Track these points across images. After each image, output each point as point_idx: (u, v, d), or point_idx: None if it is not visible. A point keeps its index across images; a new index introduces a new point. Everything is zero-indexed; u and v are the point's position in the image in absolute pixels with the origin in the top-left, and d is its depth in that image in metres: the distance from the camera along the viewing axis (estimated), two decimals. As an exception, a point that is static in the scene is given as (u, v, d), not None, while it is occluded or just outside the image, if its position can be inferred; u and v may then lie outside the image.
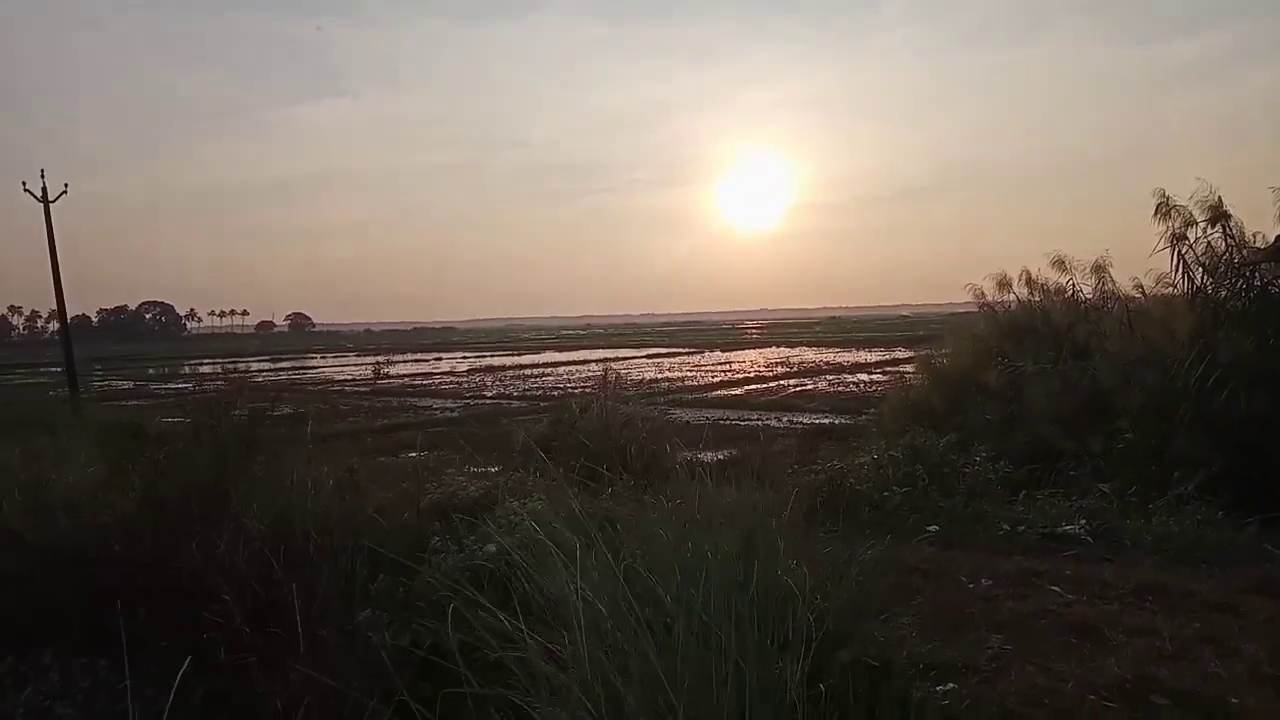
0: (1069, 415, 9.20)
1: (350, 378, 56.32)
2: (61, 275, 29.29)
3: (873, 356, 55.70)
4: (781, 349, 73.08)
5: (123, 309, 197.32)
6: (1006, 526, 6.21)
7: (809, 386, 38.34)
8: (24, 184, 28.44)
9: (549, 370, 55.71)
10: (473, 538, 4.34)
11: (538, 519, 3.78)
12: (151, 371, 73.96)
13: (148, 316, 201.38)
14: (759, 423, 27.29)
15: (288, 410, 36.23)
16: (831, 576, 3.78)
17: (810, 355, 61.64)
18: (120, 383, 59.17)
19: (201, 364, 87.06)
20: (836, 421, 24.30)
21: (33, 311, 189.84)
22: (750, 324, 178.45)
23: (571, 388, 41.06)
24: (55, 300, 29.48)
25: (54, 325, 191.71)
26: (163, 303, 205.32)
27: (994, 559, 5.47)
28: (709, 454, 21.15)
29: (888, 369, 42.88)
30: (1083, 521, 6.13)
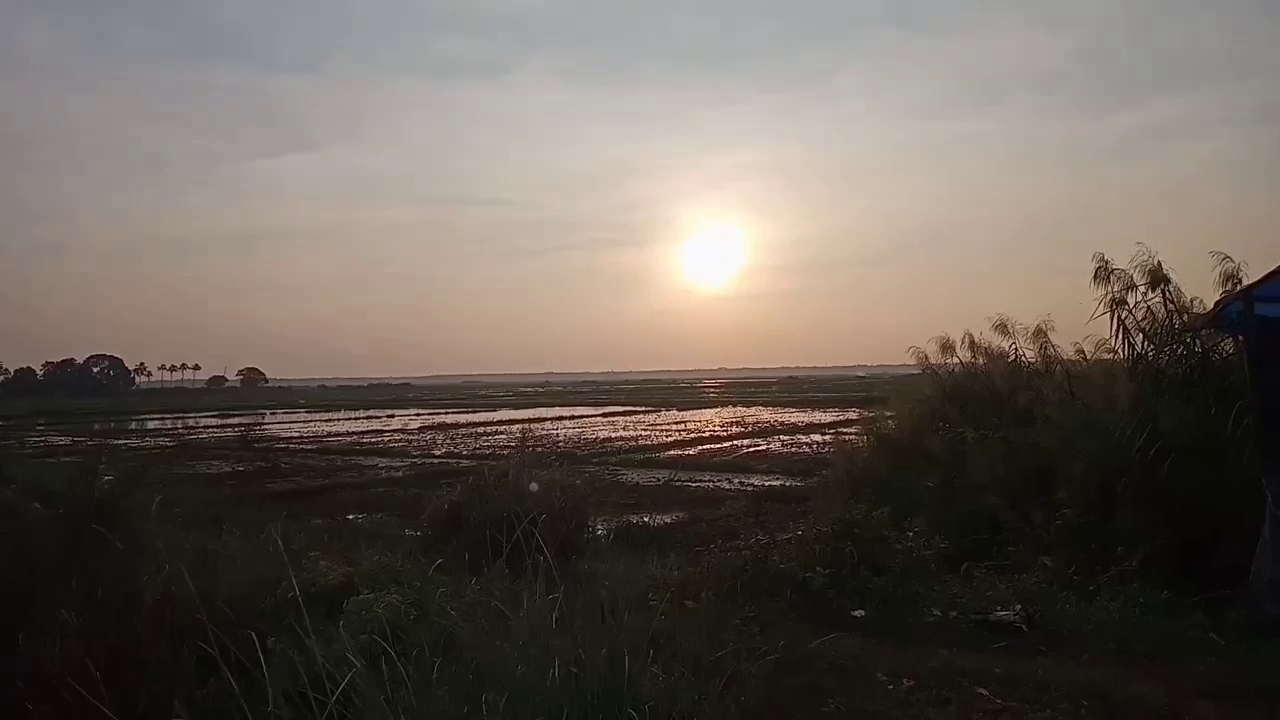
0: (1011, 484, 8.89)
1: (298, 435, 54.95)
2: None
3: (827, 417, 55.70)
4: (738, 408, 72.94)
5: (70, 362, 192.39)
6: (937, 612, 5.81)
7: (762, 447, 38.01)
8: None
9: (502, 428, 54.85)
10: (315, 639, 3.81)
11: (394, 616, 3.29)
12: (97, 426, 71.51)
13: (95, 370, 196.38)
14: (710, 484, 26.82)
15: (230, 469, 35.13)
16: (728, 685, 3.32)
17: (766, 415, 61.53)
18: (59, 439, 57.06)
19: (149, 419, 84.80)
20: (787, 484, 23.91)
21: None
22: (709, 383, 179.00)
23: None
24: None
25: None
26: (112, 356, 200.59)
27: (920, 653, 5.03)
28: (654, 517, 20.68)
29: (841, 429, 42.80)
30: (1018, 607, 5.75)
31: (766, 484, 25.53)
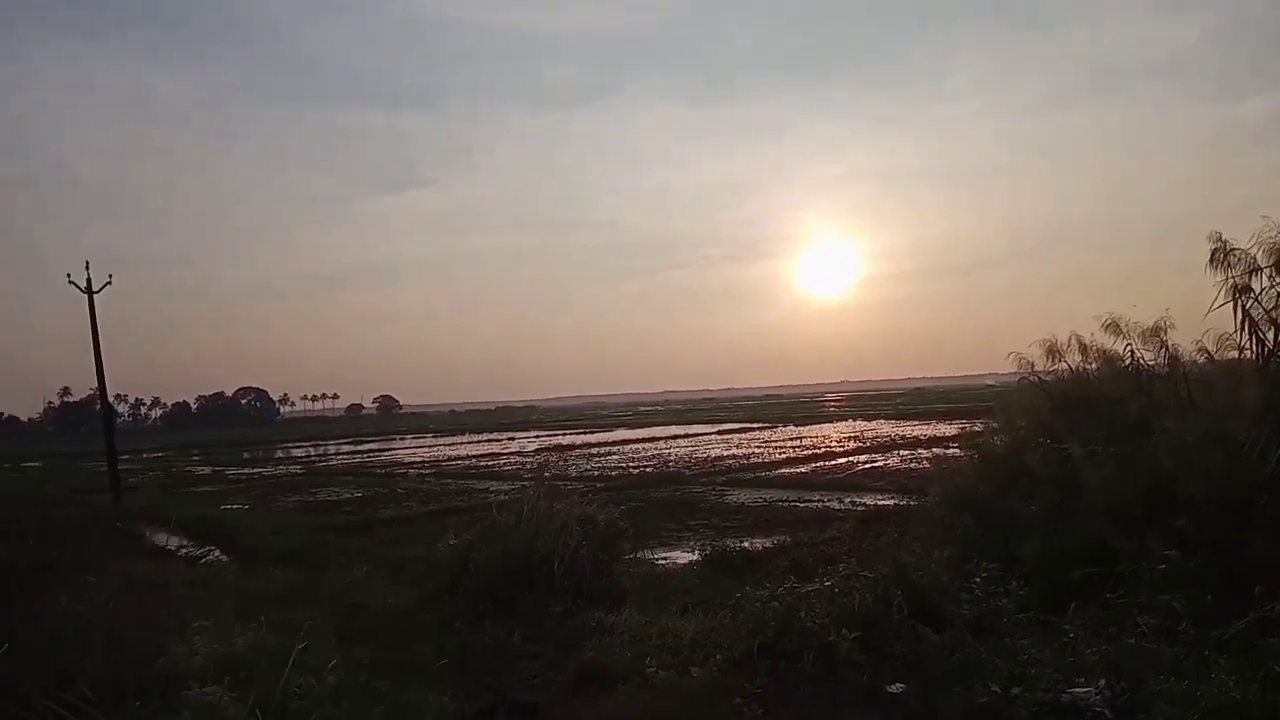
0: (1125, 508, 7.72)
1: (420, 459, 56.31)
2: (104, 363, 30.03)
3: (952, 429, 53.11)
4: (858, 422, 70.69)
5: (220, 395, 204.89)
6: (996, 688, 4.75)
7: (879, 463, 36.41)
8: (69, 276, 29.24)
9: (615, 449, 54.74)
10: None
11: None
12: (246, 455, 75.41)
13: (243, 402, 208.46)
14: (819, 504, 25.66)
15: (349, 494, 36.07)
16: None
17: (887, 429, 59.29)
18: (201, 469, 60.37)
19: (293, 448, 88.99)
20: (902, 503, 22.53)
21: (136, 399, 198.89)
22: (830, 397, 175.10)
23: (633, 467, 40.01)
24: (99, 386, 30.04)
25: (157, 412, 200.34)
26: (258, 388, 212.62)
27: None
28: (753, 541, 19.75)
29: (965, 438, 40.58)
30: (1102, 682, 4.64)
31: (879, 504, 24.19)
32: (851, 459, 38.91)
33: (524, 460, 50.14)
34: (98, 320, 29.43)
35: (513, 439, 77.14)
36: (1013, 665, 4.97)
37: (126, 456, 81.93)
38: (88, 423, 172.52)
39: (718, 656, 5.23)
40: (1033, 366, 11.13)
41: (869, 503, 25.01)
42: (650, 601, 13.53)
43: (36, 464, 74.81)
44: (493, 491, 33.67)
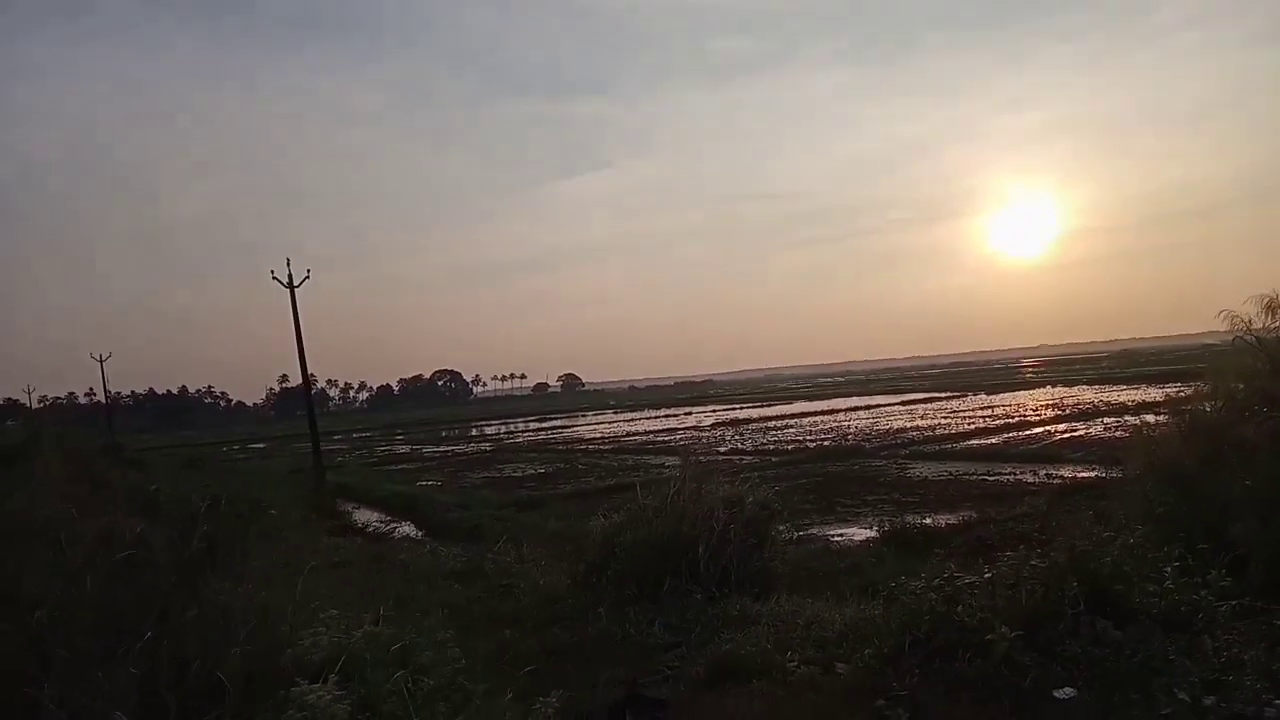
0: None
1: (599, 435, 57.64)
2: (305, 351, 32.59)
3: (1163, 394, 48.73)
4: (1057, 389, 66.20)
5: (419, 378, 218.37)
6: (1185, 697, 4.04)
7: (1080, 432, 33.87)
8: (272, 273, 31.97)
9: (793, 422, 53.89)
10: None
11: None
12: (444, 434, 79.85)
13: (440, 384, 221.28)
14: (1010, 477, 24.11)
15: (532, 470, 37.42)
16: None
17: (1089, 395, 55.13)
18: (401, 448, 64.37)
19: (485, 425, 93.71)
20: (1103, 475, 20.77)
21: (345, 383, 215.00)
22: (1026, 363, 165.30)
23: (810, 440, 39.16)
24: (301, 374, 32.47)
25: (364, 395, 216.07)
26: (452, 371, 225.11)
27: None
28: (935, 517, 18.76)
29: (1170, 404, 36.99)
30: None
31: (1077, 476, 22.44)
32: (1048, 428, 36.44)
33: (700, 434, 50.22)
34: (299, 311, 31.78)
35: (689, 414, 77.62)
36: (1208, 669, 4.24)
37: (339, 437, 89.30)
38: (303, 406, 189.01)
39: (867, 651, 4.82)
40: (1249, 324, 9.86)
41: (1066, 475, 23.27)
42: (816, 582, 13.10)
43: (262, 445, 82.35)
44: (667, 467, 33.80)
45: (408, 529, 24.36)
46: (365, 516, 27.16)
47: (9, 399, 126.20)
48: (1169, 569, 5.14)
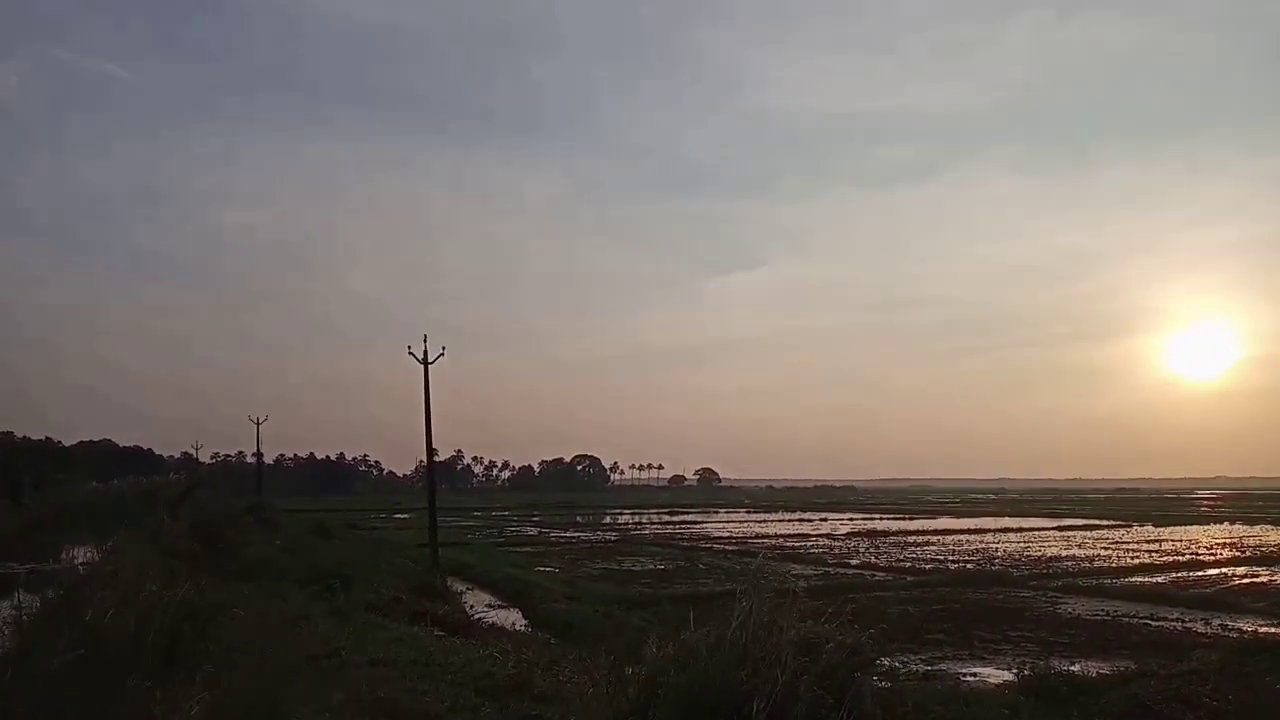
0: None
1: (727, 534, 56.12)
2: (432, 427, 33.12)
3: (1368, 542, 43.20)
4: (1236, 525, 60.00)
5: (559, 460, 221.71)
6: None
7: (1263, 578, 30.17)
8: (409, 348, 32.81)
9: (935, 539, 50.84)
10: None
11: None
12: (580, 519, 79.97)
13: (579, 468, 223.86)
14: (1177, 624, 21.45)
15: (652, 565, 36.45)
16: None
17: (1274, 536, 49.51)
18: (530, 529, 64.70)
19: (619, 513, 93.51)
20: (1291, 632, 18.09)
21: (489, 461, 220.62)
22: (1201, 494, 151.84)
23: (951, 561, 36.60)
24: (426, 449, 33.03)
25: (506, 474, 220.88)
26: (592, 456, 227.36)
27: None
28: (1085, 665, 16.69)
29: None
30: None
31: (1259, 630, 19.69)
32: (1225, 570, 32.67)
33: (833, 543, 48.02)
34: (430, 387, 32.53)
35: (825, 519, 74.77)
36: None
37: (478, 513, 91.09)
38: (447, 479, 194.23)
39: None
40: None
41: (1244, 627, 20.52)
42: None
43: (407, 514, 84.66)
44: (794, 575, 32.21)
45: (514, 616, 23.97)
46: (477, 599, 26.95)
47: (185, 452, 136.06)
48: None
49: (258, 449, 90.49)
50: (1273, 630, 19.47)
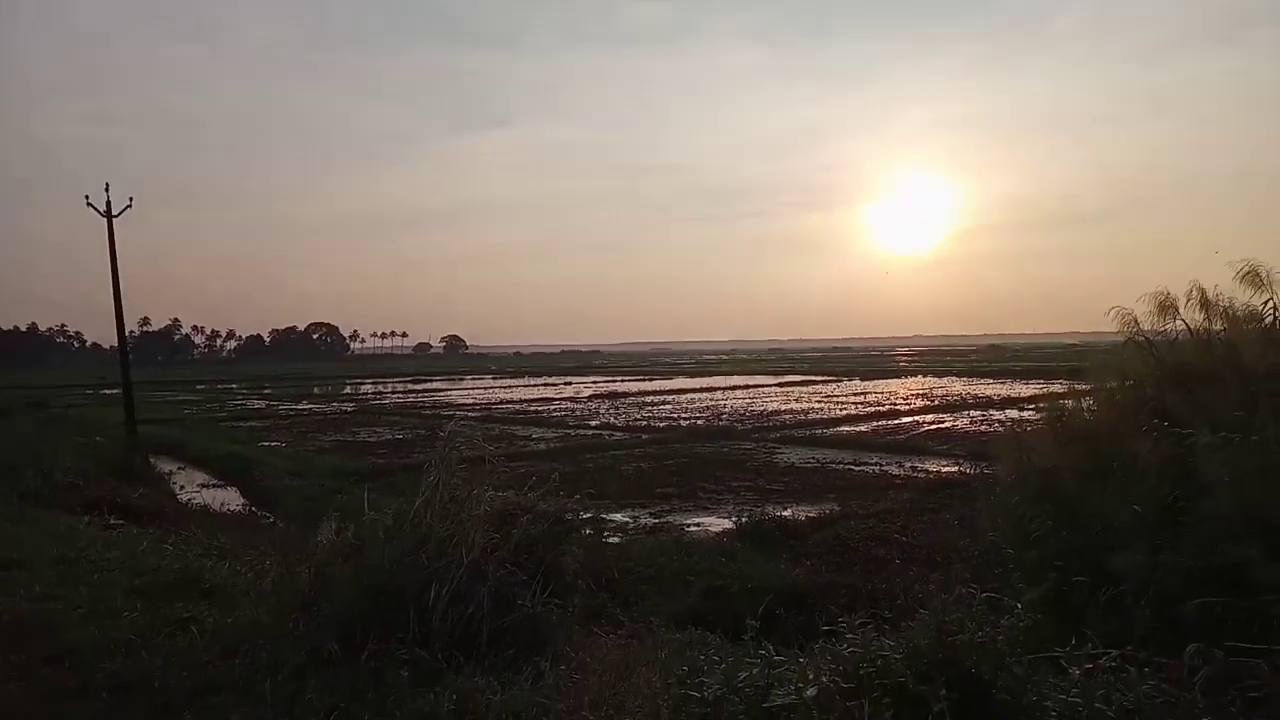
0: (1272, 519, 5.62)
1: (472, 401, 55.47)
2: (125, 290, 28.73)
3: (1029, 389, 50.03)
4: (927, 379, 67.62)
5: (293, 329, 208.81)
6: None
7: (947, 424, 33.97)
8: (87, 198, 27.73)
9: (670, 398, 53.01)
10: None
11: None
12: (316, 390, 75.79)
13: (315, 337, 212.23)
14: (876, 468, 23.54)
15: (390, 436, 35.02)
16: None
17: (958, 387, 56.28)
18: (256, 403, 60.55)
19: (358, 383, 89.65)
20: (968, 471, 20.26)
21: (212, 331, 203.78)
22: (901, 351, 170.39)
23: (684, 418, 38.18)
24: (115, 311, 28.85)
25: (232, 344, 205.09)
26: (329, 324, 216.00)
27: None
28: (796, 509, 17.81)
29: (1045, 404, 37.64)
30: None
31: (943, 471, 21.99)
32: (917, 418, 36.52)
33: (575, 406, 48.75)
34: (116, 243, 28.25)
35: (569, 383, 76.03)
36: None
37: (202, 387, 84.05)
38: (164, 351, 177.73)
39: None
40: (1137, 324, 8.78)
41: (931, 469, 22.85)
42: (664, 583, 11.82)
43: (116, 390, 76.24)
44: (535, 439, 32.29)
45: (231, 495, 22.08)
46: (190, 478, 24.60)
47: None
48: (1007, 617, 3.76)
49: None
50: (952, 470, 21.75)
